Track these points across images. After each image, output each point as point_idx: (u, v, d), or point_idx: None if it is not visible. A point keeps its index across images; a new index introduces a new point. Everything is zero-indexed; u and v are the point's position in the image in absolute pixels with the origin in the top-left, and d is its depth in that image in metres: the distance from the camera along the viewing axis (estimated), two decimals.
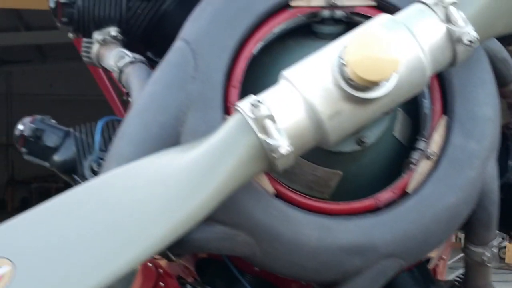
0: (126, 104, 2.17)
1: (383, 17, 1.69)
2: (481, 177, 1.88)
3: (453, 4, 1.64)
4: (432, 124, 1.89)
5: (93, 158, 2.05)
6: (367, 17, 1.94)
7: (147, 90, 1.87)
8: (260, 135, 1.57)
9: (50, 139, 2.14)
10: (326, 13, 1.93)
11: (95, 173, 2.03)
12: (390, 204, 1.85)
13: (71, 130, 2.17)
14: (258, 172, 1.64)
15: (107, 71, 2.14)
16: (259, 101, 1.56)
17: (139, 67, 2.00)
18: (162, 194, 1.56)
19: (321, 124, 1.60)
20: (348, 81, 1.56)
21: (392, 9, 1.91)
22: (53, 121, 2.21)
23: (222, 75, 1.86)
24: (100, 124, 2.07)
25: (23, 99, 21.47)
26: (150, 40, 2.17)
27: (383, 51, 1.49)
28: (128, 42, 2.17)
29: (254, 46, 1.89)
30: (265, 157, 1.59)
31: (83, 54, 2.22)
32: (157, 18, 2.13)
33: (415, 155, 1.88)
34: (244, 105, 1.59)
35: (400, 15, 1.69)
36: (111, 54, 2.12)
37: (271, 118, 1.56)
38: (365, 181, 1.94)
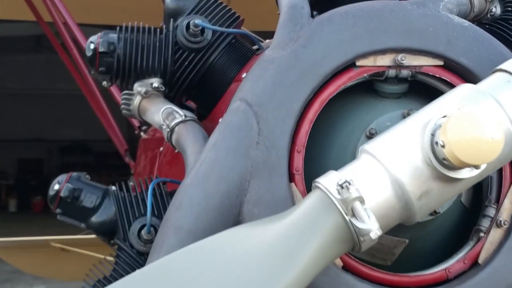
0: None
1: (467, 88, 1.61)
2: None
3: None
4: (503, 190, 1.82)
5: (145, 226, 1.92)
6: (433, 77, 1.86)
7: (209, 156, 1.75)
8: (348, 218, 1.47)
9: (88, 199, 2.01)
10: (392, 72, 1.84)
11: (144, 241, 1.91)
12: (460, 275, 1.78)
13: (110, 188, 2.04)
14: (341, 254, 1.54)
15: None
16: (348, 182, 1.46)
17: (192, 127, 1.89)
18: (243, 276, 1.46)
19: (410, 204, 1.52)
20: (442, 161, 1.47)
21: (460, 69, 1.84)
22: (88, 178, 2.08)
23: (287, 140, 1.76)
24: (151, 187, 1.94)
25: None
26: (194, 92, 2.05)
27: (485, 133, 1.41)
28: (170, 94, 2.06)
29: (320, 108, 1.79)
30: (351, 239, 1.49)
31: (123, 106, 2.10)
32: (203, 71, 2.02)
33: (485, 222, 1.81)
34: (329, 185, 1.49)
35: (485, 86, 1.61)
36: (156, 108, 2.00)
37: (361, 200, 1.47)
38: (430, 249, 1.86)
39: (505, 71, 1.61)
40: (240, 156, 1.74)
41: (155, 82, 2.04)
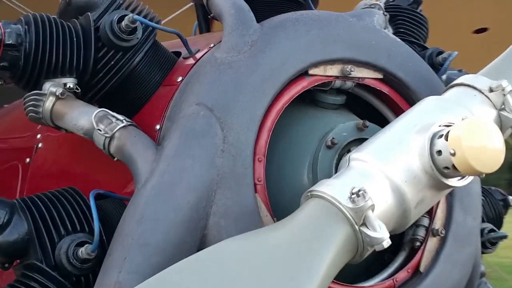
0: None
1: (438, 100, 1.66)
2: (476, 252, 1.93)
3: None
4: None
5: (78, 243, 1.65)
6: (370, 89, 1.89)
7: (172, 165, 1.59)
8: (357, 227, 1.43)
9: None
10: (338, 83, 1.83)
11: (82, 260, 1.65)
12: (404, 284, 1.81)
13: (15, 202, 1.74)
14: (344, 264, 1.49)
15: None
16: (363, 191, 1.42)
17: (136, 133, 1.69)
18: None
19: (408, 212, 1.52)
20: (442, 169, 1.49)
21: (396, 83, 1.89)
22: None
23: (252, 148, 1.66)
24: (92, 200, 1.68)
25: None
26: (111, 95, 1.85)
27: (494, 142, 1.46)
28: (86, 96, 1.84)
29: (277, 117, 1.72)
30: (355, 249, 1.46)
31: (30, 109, 1.82)
32: (126, 73, 1.83)
33: (420, 232, 1.86)
34: (337, 194, 1.44)
35: (454, 99, 1.66)
36: (79, 111, 1.77)
37: (373, 208, 1.44)
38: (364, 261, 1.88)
39: (468, 85, 1.68)
40: (206, 165, 1.61)
41: (70, 82, 1.80)
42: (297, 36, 1.77)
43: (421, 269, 1.83)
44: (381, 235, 1.43)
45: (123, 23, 1.77)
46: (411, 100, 1.88)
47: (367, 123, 1.78)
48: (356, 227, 1.43)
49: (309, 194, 1.50)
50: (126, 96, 1.85)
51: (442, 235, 1.86)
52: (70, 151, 2.06)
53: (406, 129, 1.57)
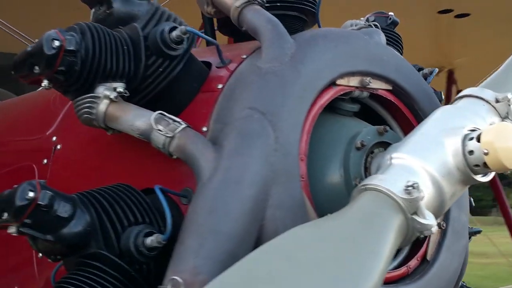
0: None
1: (450, 107, 1.92)
2: (467, 244, 2.21)
3: None
4: None
5: (146, 233, 1.80)
6: (381, 100, 2.14)
7: (235, 162, 1.77)
8: (410, 216, 1.66)
9: (63, 208, 1.79)
10: (356, 93, 2.07)
11: (149, 249, 1.79)
12: (415, 271, 2.06)
13: (75, 196, 1.85)
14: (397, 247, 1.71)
15: None
16: (417, 184, 1.65)
17: (194, 134, 1.86)
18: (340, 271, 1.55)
19: (444, 204, 1.77)
20: (473, 167, 1.75)
21: (402, 94, 2.15)
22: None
23: (298, 148, 1.87)
24: (161, 194, 1.82)
25: None
26: (155, 99, 2.00)
27: None
28: (133, 99, 1.97)
29: (313, 121, 1.93)
30: (404, 235, 1.69)
31: (85, 110, 1.93)
32: (170, 79, 1.98)
33: None
34: (393, 187, 1.67)
35: (465, 106, 1.93)
36: (135, 114, 1.90)
37: (422, 199, 1.68)
38: None
39: (476, 96, 1.95)
40: (263, 163, 1.80)
41: (120, 86, 1.93)
42: (328, 50, 1.99)
43: (428, 257, 2.09)
44: (431, 222, 1.67)
45: (174, 34, 1.93)
46: (414, 110, 2.15)
47: (387, 128, 2.02)
48: (409, 215, 1.66)
49: (363, 187, 1.72)
50: (168, 100, 2.00)
51: (443, 228, 2.13)
52: (97, 152, 2.18)
53: (436, 132, 1.82)
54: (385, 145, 1.99)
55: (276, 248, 1.59)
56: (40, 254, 2.21)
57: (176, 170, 1.93)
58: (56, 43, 1.84)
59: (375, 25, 2.33)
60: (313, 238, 1.62)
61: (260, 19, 2.00)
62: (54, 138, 2.32)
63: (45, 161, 2.29)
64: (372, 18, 2.52)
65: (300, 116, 1.89)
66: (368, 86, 2.06)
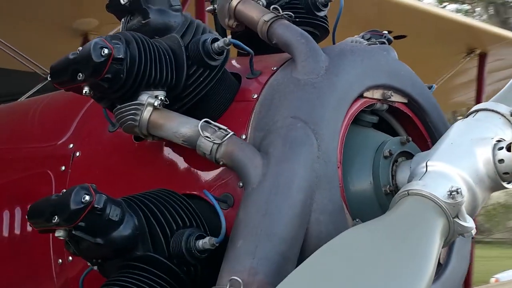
0: None
1: (470, 120, 2.07)
2: (470, 248, 2.36)
3: None
4: None
5: (197, 236, 1.85)
6: (397, 113, 2.27)
7: (284, 168, 1.86)
8: (452, 219, 1.79)
9: (114, 212, 1.83)
10: (378, 105, 2.19)
11: (201, 251, 1.84)
12: None
13: (121, 200, 1.89)
14: None
15: None
16: (460, 189, 1.78)
17: (240, 141, 1.93)
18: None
19: (477, 208, 1.90)
20: (502, 175, 1.90)
21: (416, 107, 2.28)
22: None
23: (336, 156, 1.97)
24: (213, 198, 1.88)
25: None
26: (193, 107, 2.06)
27: None
28: (173, 107, 2.03)
29: (346, 130, 2.04)
30: (446, 236, 1.81)
31: (130, 117, 1.97)
32: (208, 89, 2.05)
33: None
34: (437, 192, 1.79)
35: (484, 119, 2.08)
36: (179, 121, 1.96)
37: (463, 204, 1.81)
38: None
39: (492, 110, 2.11)
40: (308, 169, 1.89)
41: (161, 94, 1.98)
42: (356, 64, 2.10)
43: (441, 261, 2.22)
44: (471, 225, 1.81)
45: (216, 44, 2.00)
46: (425, 122, 2.29)
47: (410, 139, 2.15)
48: (451, 218, 1.79)
49: (405, 192, 1.84)
50: (204, 109, 2.06)
51: None
52: (123, 159, 2.21)
53: (466, 142, 1.96)
54: (406, 155, 2.12)
55: (336, 250, 1.68)
56: (60, 260, 2.23)
57: (211, 175, 2.00)
58: (106, 51, 1.88)
59: (388, 41, 2.45)
60: (369, 239, 1.72)
61: (292, 33, 2.10)
62: (70, 145, 2.34)
63: (63, 168, 2.31)
64: (367, 36, 2.65)
65: (337, 126, 1.99)
66: (389, 99, 2.19)
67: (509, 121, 2.09)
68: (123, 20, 2.16)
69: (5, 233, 2.39)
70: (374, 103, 2.18)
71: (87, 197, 1.79)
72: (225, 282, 1.75)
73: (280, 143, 1.91)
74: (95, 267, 1.97)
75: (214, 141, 1.91)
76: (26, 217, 1.93)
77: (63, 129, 2.41)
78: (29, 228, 2.33)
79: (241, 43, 2.08)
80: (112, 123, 2.25)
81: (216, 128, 1.94)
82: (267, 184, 1.85)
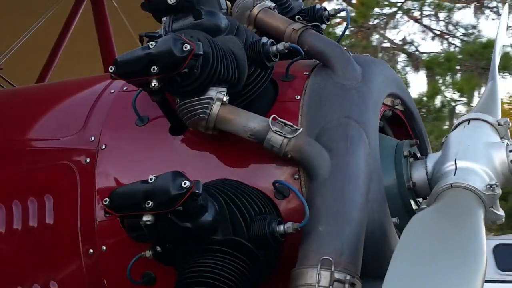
0: None
1: (471, 126, 2.42)
2: None
3: None
4: None
5: (278, 222, 1.99)
6: (393, 119, 2.56)
7: (351, 161, 2.06)
8: (488, 208, 2.11)
9: (203, 198, 1.91)
10: (387, 111, 2.47)
11: (282, 236, 1.98)
12: None
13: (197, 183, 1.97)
14: None
15: None
16: (496, 184, 2.10)
17: (307, 136, 2.10)
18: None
19: (496, 203, 2.23)
20: None
21: (409, 114, 2.59)
22: None
23: (377, 153, 2.21)
24: (292, 186, 2.01)
25: None
26: (248, 106, 2.19)
27: None
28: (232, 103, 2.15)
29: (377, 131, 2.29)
30: None
31: (201, 110, 2.05)
32: (261, 87, 2.20)
33: None
34: (479, 185, 2.10)
35: (479, 126, 2.43)
36: (247, 116, 2.09)
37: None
38: None
39: (482, 120, 2.47)
40: (365, 162, 2.11)
41: (223, 91, 2.10)
42: (379, 73, 2.37)
43: None
44: (502, 213, 2.14)
45: (275, 48, 2.15)
46: (413, 129, 2.61)
47: (418, 141, 2.45)
48: (488, 208, 2.10)
49: (449, 185, 2.12)
50: (255, 106, 2.20)
51: None
52: (156, 153, 2.26)
53: (481, 145, 2.28)
54: (414, 156, 2.41)
55: (419, 234, 1.92)
56: (92, 250, 2.23)
57: (264, 169, 2.16)
58: (188, 46, 1.97)
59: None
60: (436, 222, 1.98)
61: (326, 43, 2.32)
62: (92, 138, 2.34)
63: (87, 160, 2.31)
64: None
65: (375, 126, 2.24)
66: (396, 107, 2.48)
67: (497, 129, 2.46)
68: (164, 18, 2.24)
69: (18, 225, 2.33)
70: (386, 109, 2.45)
71: (188, 183, 1.87)
72: (315, 261, 1.92)
73: (341, 139, 2.11)
74: (149, 254, 2.02)
75: (285, 136, 2.06)
76: (105, 203, 1.94)
77: (77, 121, 2.40)
78: (49, 219, 2.30)
79: (300, 48, 2.25)
80: (140, 117, 2.30)
81: (283, 124, 2.09)
82: (339, 175, 2.04)
